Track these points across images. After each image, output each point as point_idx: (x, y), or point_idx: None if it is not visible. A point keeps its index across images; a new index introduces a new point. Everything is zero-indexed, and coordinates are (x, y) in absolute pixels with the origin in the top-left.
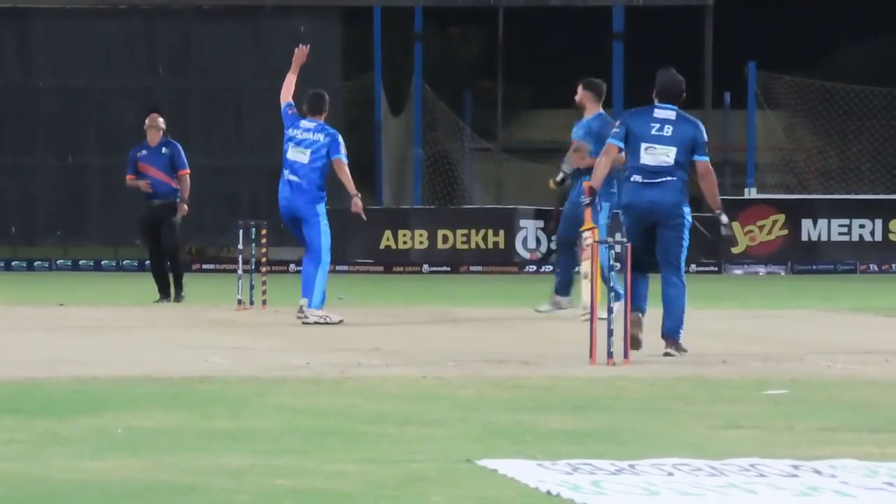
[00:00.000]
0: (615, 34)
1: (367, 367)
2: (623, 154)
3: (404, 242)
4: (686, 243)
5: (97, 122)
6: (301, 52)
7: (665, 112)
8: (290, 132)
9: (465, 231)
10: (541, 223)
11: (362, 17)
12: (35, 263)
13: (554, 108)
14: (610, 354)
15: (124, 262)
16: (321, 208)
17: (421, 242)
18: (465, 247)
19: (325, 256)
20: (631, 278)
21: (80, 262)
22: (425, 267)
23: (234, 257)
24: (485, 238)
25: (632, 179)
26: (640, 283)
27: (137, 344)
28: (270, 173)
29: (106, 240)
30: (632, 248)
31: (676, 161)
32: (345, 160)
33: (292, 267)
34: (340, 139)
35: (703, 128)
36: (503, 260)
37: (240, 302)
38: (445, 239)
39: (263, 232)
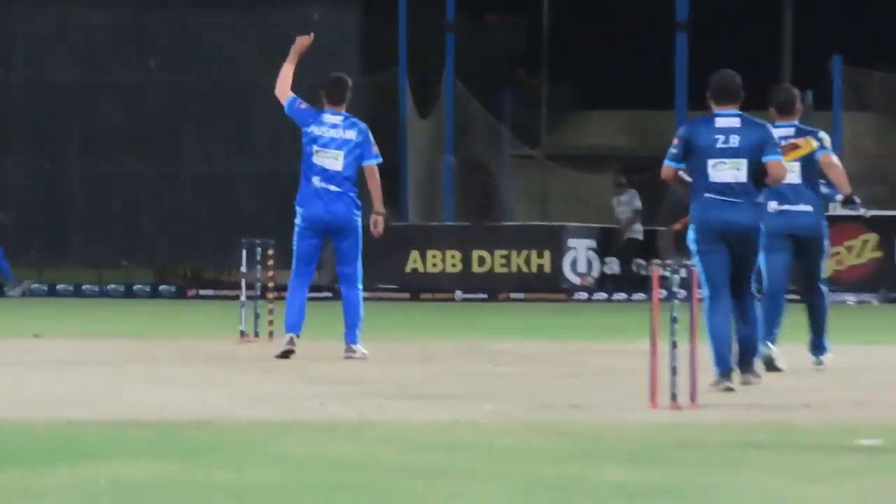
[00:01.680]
0: (679, 24)
1: (390, 410)
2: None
3: (433, 265)
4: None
5: (79, 122)
6: (303, 41)
7: (728, 120)
8: (312, 130)
9: (505, 252)
10: (592, 243)
11: (384, 2)
12: (4, 288)
13: (607, 108)
14: (674, 396)
15: (109, 287)
16: (360, 220)
17: (453, 265)
18: (505, 270)
19: (361, 275)
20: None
21: (58, 287)
22: (458, 294)
23: (236, 281)
24: (527, 260)
25: (705, 196)
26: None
27: (124, 382)
28: (278, 183)
29: (88, 261)
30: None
31: (749, 174)
32: (377, 165)
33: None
34: (371, 135)
35: (770, 128)
36: (549, 286)
37: (243, 333)
38: (481, 261)
39: (270, 252)
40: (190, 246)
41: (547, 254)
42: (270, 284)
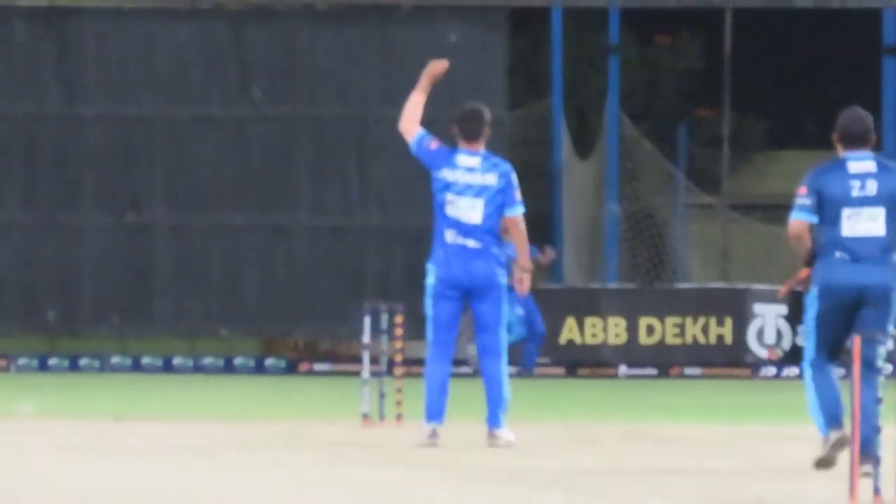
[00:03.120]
0: (886, 48)
1: None
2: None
3: (594, 335)
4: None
5: (166, 164)
6: (436, 67)
7: (862, 164)
8: (444, 175)
9: (678, 319)
10: (783, 309)
11: (535, 22)
12: (80, 361)
13: (800, 147)
14: (877, 490)
15: (205, 361)
16: (504, 278)
17: (617, 335)
18: (678, 341)
19: (506, 346)
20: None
21: (143, 361)
22: (622, 368)
23: (357, 354)
24: (705, 329)
25: (836, 255)
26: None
27: (223, 474)
28: (406, 237)
29: (179, 329)
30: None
31: (888, 225)
32: (522, 214)
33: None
34: (515, 178)
35: None
36: (730, 359)
37: (366, 416)
38: (650, 330)
39: (398, 320)
40: (302, 312)
41: (728, 321)
42: (399, 358)
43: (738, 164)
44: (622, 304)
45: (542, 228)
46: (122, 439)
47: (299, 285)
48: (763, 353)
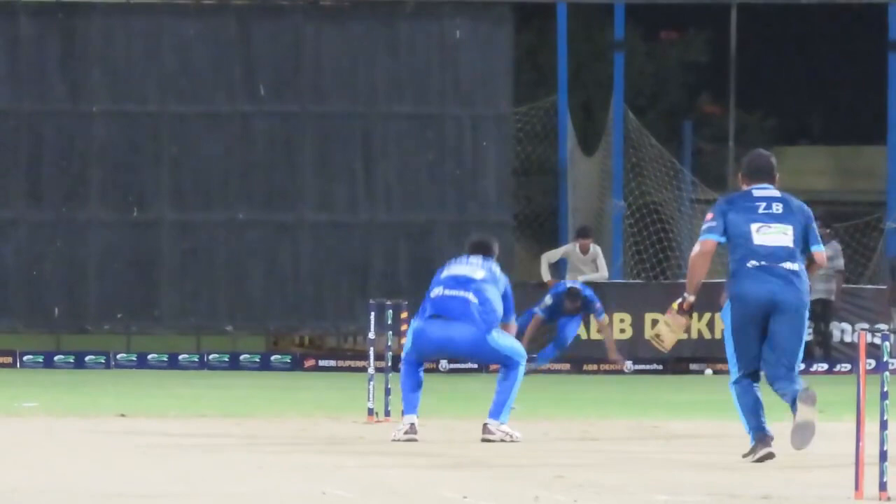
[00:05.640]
0: (892, 43)
1: (548, 503)
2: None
3: (599, 331)
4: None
5: (172, 161)
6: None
7: (766, 192)
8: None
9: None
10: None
11: (541, 17)
12: (86, 358)
13: (807, 142)
14: (883, 486)
15: (210, 357)
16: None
17: (622, 330)
18: (684, 336)
19: (522, 350)
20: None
21: (149, 357)
22: (628, 364)
23: (363, 350)
24: (710, 324)
25: (748, 265)
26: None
27: (229, 471)
28: (412, 233)
29: (185, 326)
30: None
31: (796, 240)
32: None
33: (443, 364)
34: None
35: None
36: None
37: (371, 412)
38: (656, 325)
39: (404, 315)
40: (307, 308)
41: None
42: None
43: (743, 159)
44: (627, 299)
45: (547, 224)
46: (128, 436)
47: (305, 281)
48: None
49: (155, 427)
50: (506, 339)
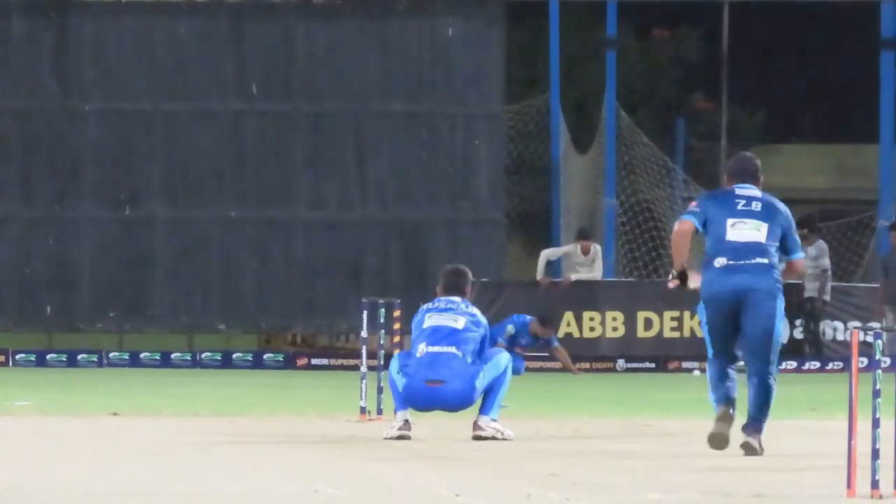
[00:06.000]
0: (884, 41)
1: (541, 501)
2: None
3: (591, 329)
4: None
5: (164, 159)
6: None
7: (748, 191)
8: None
9: (676, 313)
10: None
11: (533, 15)
12: (78, 357)
13: (799, 140)
14: (875, 484)
15: (203, 356)
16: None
17: (615, 329)
18: (676, 335)
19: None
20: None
21: (142, 356)
22: (620, 363)
23: (355, 349)
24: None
25: (717, 263)
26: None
27: (221, 468)
28: (404, 231)
29: (177, 324)
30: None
31: (770, 237)
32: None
33: None
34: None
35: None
36: None
37: (364, 410)
38: (649, 324)
39: (396, 314)
40: (300, 306)
41: None
42: (397, 351)
43: (729, 161)
44: (620, 297)
45: (540, 222)
46: (120, 434)
47: (297, 280)
48: None
49: (147, 425)
50: (489, 371)
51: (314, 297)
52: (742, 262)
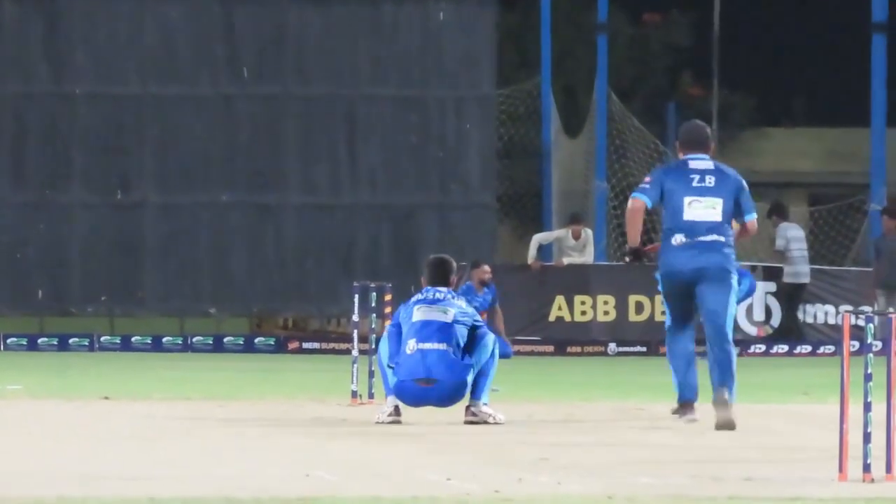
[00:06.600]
0: (875, 24)
1: (532, 485)
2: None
3: (583, 313)
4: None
5: (155, 143)
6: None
7: (701, 163)
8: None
9: None
10: (772, 286)
11: (524, 1)
12: (70, 341)
13: (791, 125)
14: (867, 468)
15: (194, 340)
16: None
17: (606, 312)
18: None
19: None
20: None
21: (133, 340)
22: (611, 347)
23: (346, 333)
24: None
25: (676, 240)
26: None
27: (212, 452)
28: (395, 215)
29: (168, 308)
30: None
31: (724, 213)
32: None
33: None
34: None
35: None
36: None
37: (355, 394)
38: (640, 308)
39: (387, 298)
40: (291, 290)
41: None
42: (385, 334)
43: (726, 141)
44: (611, 281)
45: (531, 206)
46: (112, 418)
47: (288, 264)
48: (752, 331)
49: (139, 409)
50: (477, 359)
51: (305, 281)
52: (699, 240)
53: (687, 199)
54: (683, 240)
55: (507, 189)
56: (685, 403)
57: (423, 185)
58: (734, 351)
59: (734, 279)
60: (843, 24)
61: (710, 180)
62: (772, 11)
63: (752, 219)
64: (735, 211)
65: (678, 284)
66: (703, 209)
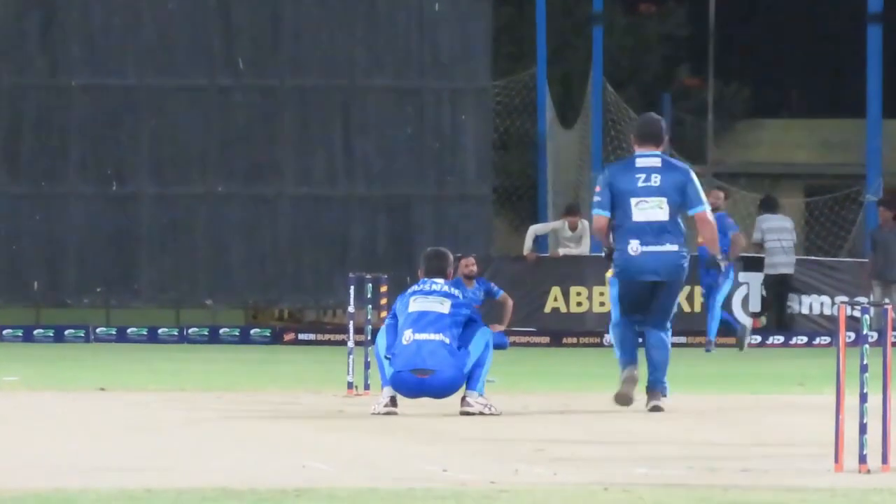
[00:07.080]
0: (871, 15)
1: (528, 476)
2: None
3: (578, 303)
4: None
5: (151, 134)
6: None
7: (648, 160)
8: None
9: None
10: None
11: None
12: (66, 332)
13: (786, 116)
14: (863, 459)
15: (190, 331)
16: None
17: (602, 304)
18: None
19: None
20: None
21: (129, 331)
22: (607, 338)
23: (342, 324)
24: (689, 298)
25: (628, 242)
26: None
27: (208, 444)
28: (391, 207)
29: (164, 300)
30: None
31: (671, 213)
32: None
33: None
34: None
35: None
36: None
37: (351, 385)
38: None
39: (383, 289)
40: (287, 282)
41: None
42: (383, 326)
43: (722, 132)
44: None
45: (526, 197)
46: (108, 410)
47: (284, 255)
48: (748, 322)
49: (134, 401)
50: (473, 350)
51: (301, 272)
52: (655, 250)
53: (634, 201)
54: (639, 248)
55: (503, 180)
56: (626, 377)
57: (419, 177)
58: (669, 342)
59: (685, 273)
60: (838, 15)
61: (655, 179)
62: (767, 1)
63: (698, 211)
64: (683, 204)
65: (636, 291)
66: (650, 209)
